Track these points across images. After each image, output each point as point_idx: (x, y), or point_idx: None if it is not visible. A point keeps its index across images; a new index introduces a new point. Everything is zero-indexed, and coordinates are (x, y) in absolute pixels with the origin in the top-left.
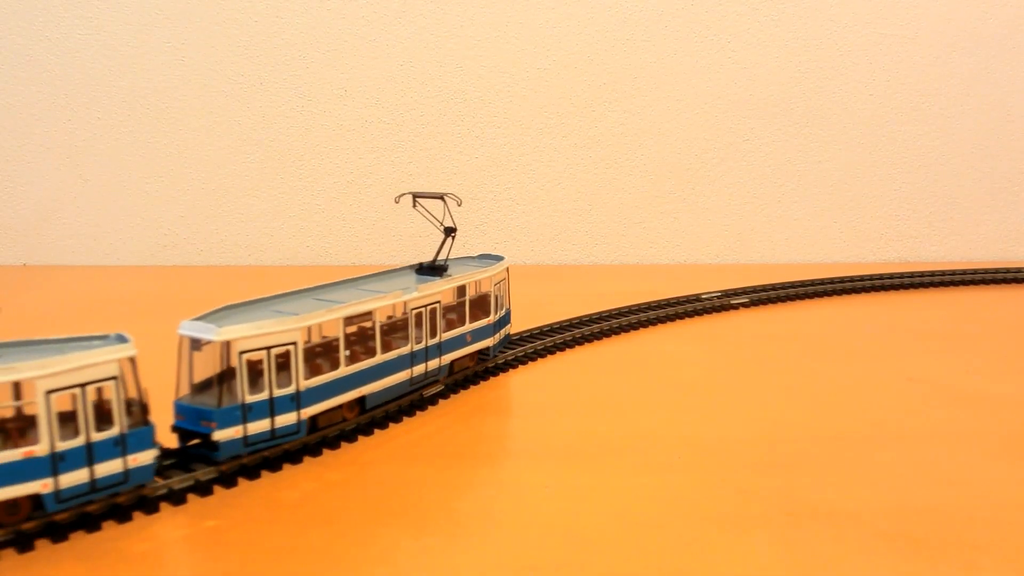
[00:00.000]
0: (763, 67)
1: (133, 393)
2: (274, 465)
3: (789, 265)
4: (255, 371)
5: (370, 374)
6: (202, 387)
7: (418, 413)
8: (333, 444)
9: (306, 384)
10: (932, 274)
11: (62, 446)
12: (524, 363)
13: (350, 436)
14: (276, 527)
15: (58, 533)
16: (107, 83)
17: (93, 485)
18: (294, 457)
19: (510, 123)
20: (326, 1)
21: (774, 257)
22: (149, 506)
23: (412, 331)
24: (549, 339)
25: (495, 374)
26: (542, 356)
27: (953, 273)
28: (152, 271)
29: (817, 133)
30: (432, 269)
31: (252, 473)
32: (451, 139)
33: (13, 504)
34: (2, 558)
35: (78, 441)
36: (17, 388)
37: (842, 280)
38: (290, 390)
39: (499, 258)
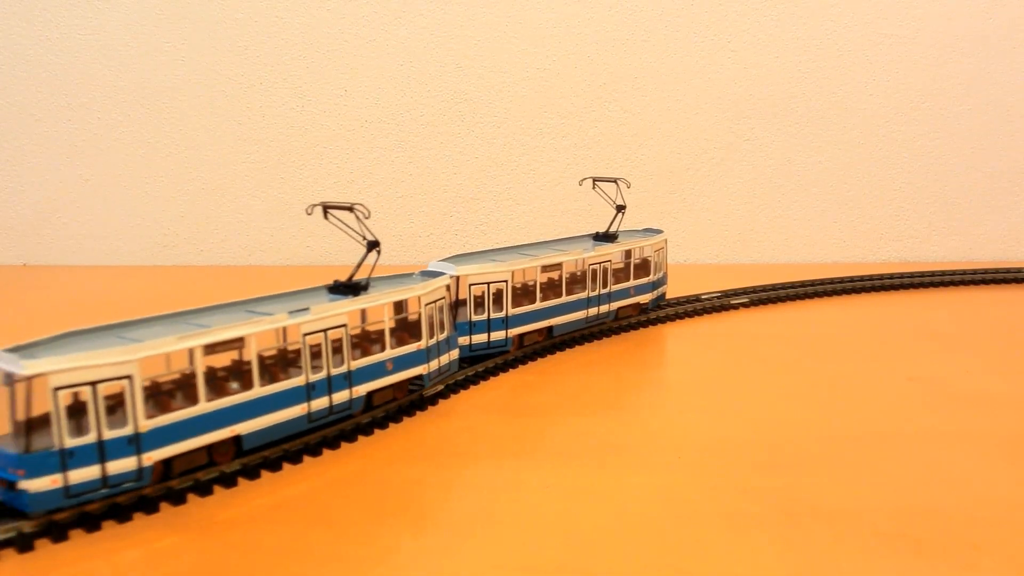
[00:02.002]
0: (763, 67)
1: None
2: (274, 465)
3: (789, 265)
4: (478, 300)
5: (556, 310)
6: None
7: (418, 413)
8: (333, 444)
9: (513, 311)
10: (932, 274)
11: (430, 342)
12: (524, 363)
13: (350, 436)
14: (276, 527)
15: (58, 532)
16: (107, 83)
17: (439, 371)
18: (294, 457)
19: (510, 123)
20: (326, 1)
21: (774, 257)
22: (149, 506)
23: (588, 282)
24: (549, 340)
25: (494, 374)
26: (542, 356)
27: (953, 273)
28: (152, 271)
29: (817, 133)
30: (606, 237)
31: (252, 473)
32: (451, 139)
33: (402, 384)
34: (2, 558)
35: (435, 340)
36: (404, 304)
37: (842, 280)
38: (502, 315)
39: (659, 231)
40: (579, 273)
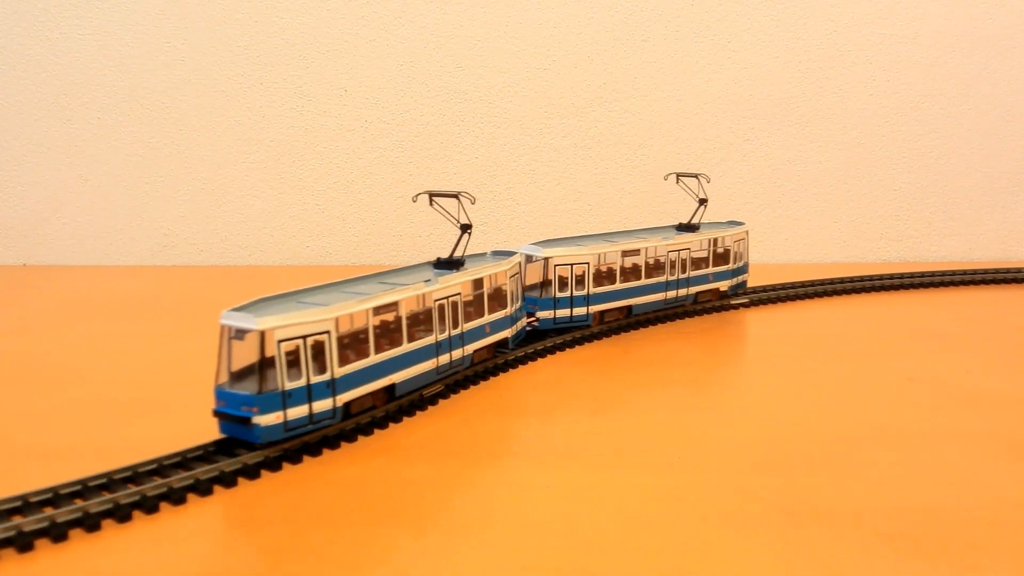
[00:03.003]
0: (763, 67)
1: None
2: (274, 465)
3: (789, 265)
4: (563, 280)
5: (635, 291)
6: (530, 288)
7: (418, 413)
8: (333, 444)
9: (594, 290)
10: (932, 274)
11: (510, 311)
12: (524, 363)
13: (350, 436)
14: (276, 527)
15: (57, 532)
16: (107, 83)
17: (516, 335)
18: (294, 457)
19: (510, 123)
20: (326, 1)
21: (774, 257)
22: (148, 506)
23: (667, 267)
24: (549, 339)
25: (494, 374)
26: (542, 356)
27: (953, 273)
28: (152, 271)
29: (817, 133)
30: (688, 227)
31: (252, 473)
32: (451, 139)
33: (491, 346)
34: (2, 558)
35: (511, 310)
36: (495, 277)
37: (842, 280)
38: (582, 293)
39: (740, 223)
40: (660, 259)
